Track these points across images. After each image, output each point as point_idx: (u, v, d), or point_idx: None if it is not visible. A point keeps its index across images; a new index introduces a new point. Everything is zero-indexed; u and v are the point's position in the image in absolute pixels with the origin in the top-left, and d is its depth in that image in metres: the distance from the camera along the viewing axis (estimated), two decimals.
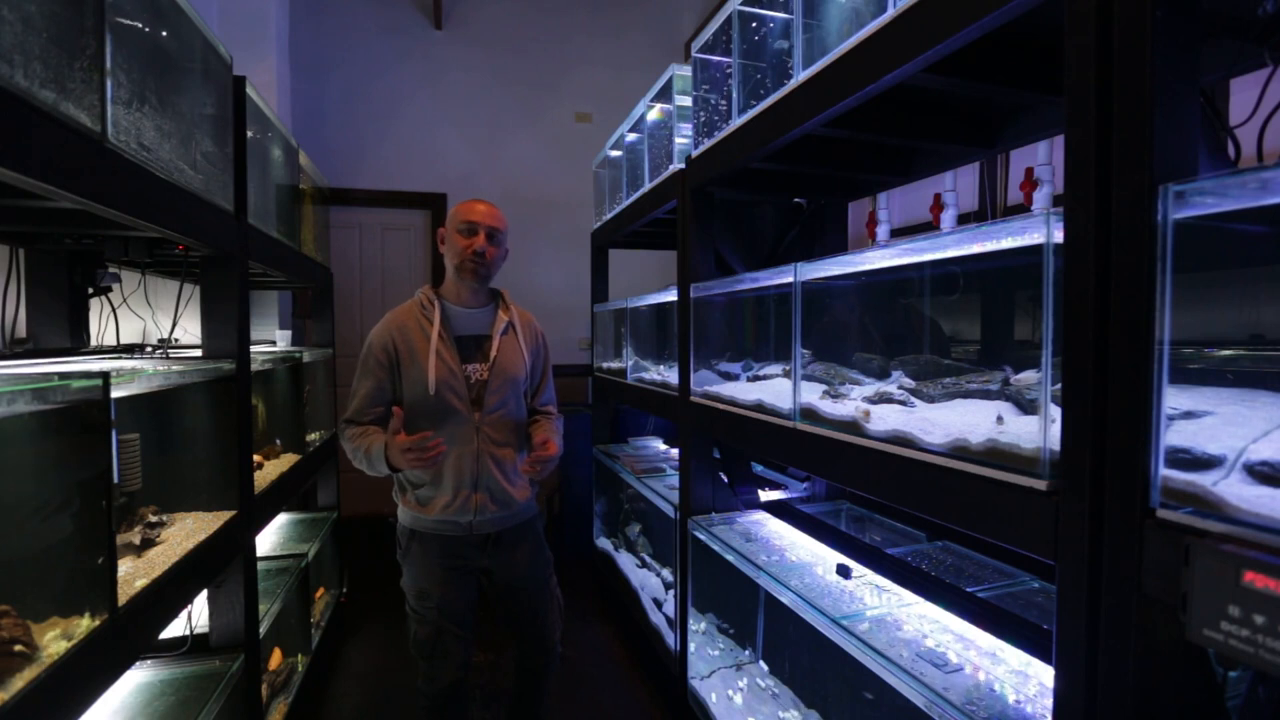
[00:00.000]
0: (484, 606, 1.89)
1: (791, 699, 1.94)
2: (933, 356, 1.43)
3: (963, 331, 1.86)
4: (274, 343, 3.08)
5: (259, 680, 1.79)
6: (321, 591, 2.89)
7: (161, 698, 1.49)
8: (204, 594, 1.65)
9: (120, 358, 1.66)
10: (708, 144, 1.95)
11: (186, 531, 1.47)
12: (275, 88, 3.44)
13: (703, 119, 2.05)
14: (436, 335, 1.71)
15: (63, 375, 0.95)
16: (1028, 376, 1.11)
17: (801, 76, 1.43)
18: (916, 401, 1.27)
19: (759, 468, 2.75)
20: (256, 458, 2.07)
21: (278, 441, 2.42)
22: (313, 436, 2.74)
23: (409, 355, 1.71)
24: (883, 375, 1.49)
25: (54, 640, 0.94)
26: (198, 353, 1.77)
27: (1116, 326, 0.76)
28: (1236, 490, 0.68)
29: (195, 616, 1.72)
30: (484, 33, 4.66)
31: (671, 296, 2.35)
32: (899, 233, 2.76)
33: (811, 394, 1.50)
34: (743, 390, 1.83)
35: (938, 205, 2.28)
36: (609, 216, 3.29)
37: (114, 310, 2.08)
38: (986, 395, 1.16)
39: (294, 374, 2.55)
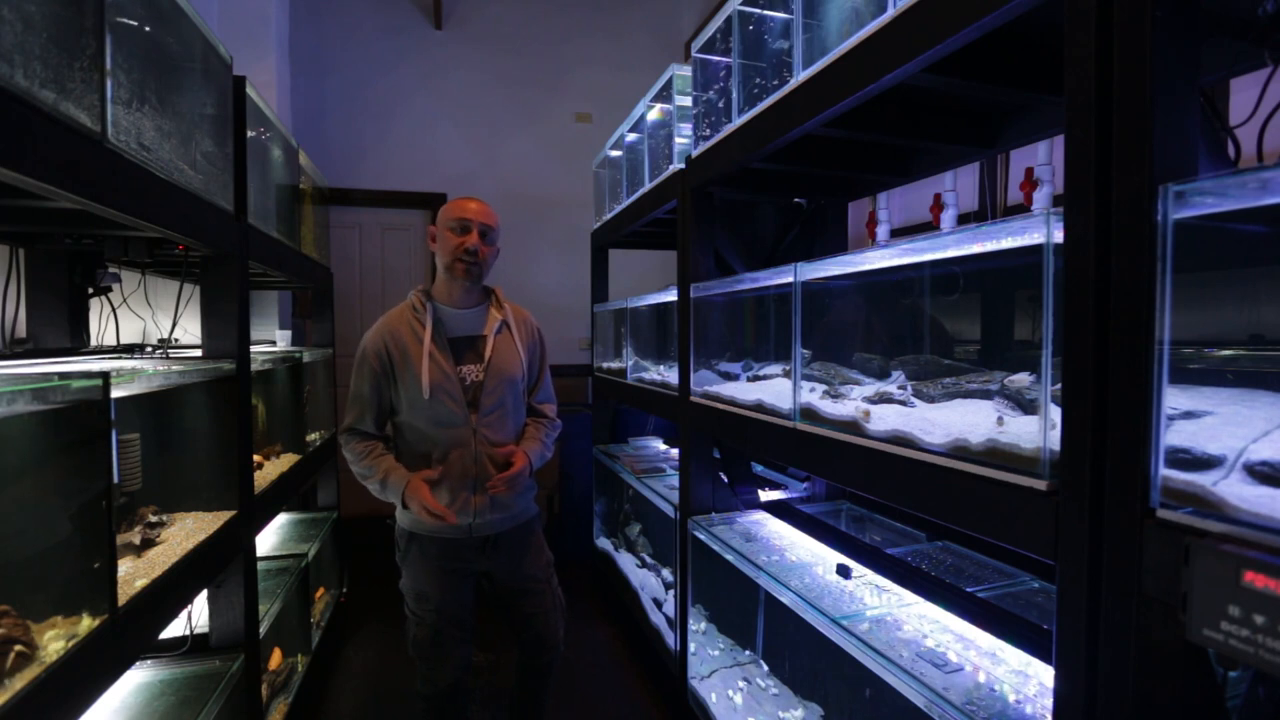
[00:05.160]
0: (483, 607, 1.88)
1: (791, 699, 1.94)
2: (933, 356, 1.43)
3: (963, 332, 1.86)
4: (274, 343, 3.08)
5: (259, 680, 1.79)
6: (321, 591, 2.89)
7: (161, 698, 1.49)
8: (204, 594, 1.65)
9: (120, 358, 1.66)
10: (708, 144, 1.95)
11: (186, 531, 1.47)
12: (275, 88, 3.43)
13: (703, 119, 2.05)
14: (429, 338, 1.69)
15: (63, 375, 0.95)
16: (1020, 379, 1.11)
17: (801, 76, 1.43)
18: (916, 401, 1.27)
19: (759, 468, 2.75)
20: (256, 458, 2.07)
21: (279, 448, 2.42)
22: (313, 436, 2.74)
23: (403, 359, 1.68)
24: (882, 375, 1.49)
25: (54, 640, 0.94)
26: (198, 353, 1.77)
27: (1116, 326, 0.76)
28: (1236, 490, 0.68)
29: (195, 616, 1.72)
30: (484, 33, 4.66)
31: (671, 296, 2.35)
32: (899, 233, 2.76)
33: (811, 394, 1.50)
34: (743, 390, 1.83)
35: (938, 205, 2.28)
36: (609, 216, 3.29)
37: (114, 310, 2.08)
38: (986, 395, 1.16)
39: (294, 374, 2.54)
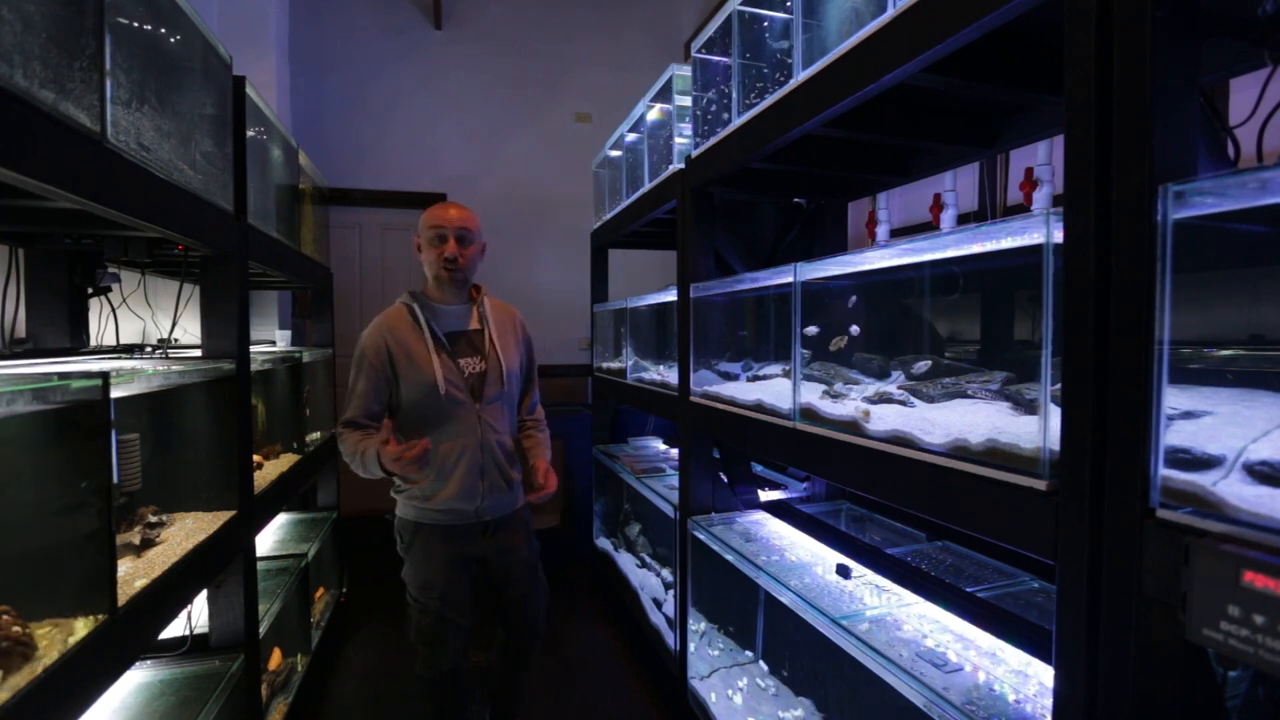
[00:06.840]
0: (481, 609, 1.91)
1: (791, 699, 1.94)
2: (933, 356, 1.43)
3: (963, 331, 1.86)
4: (274, 343, 3.08)
5: (259, 680, 1.79)
6: (321, 591, 2.88)
7: (161, 698, 1.49)
8: (204, 594, 1.65)
9: (120, 358, 1.66)
10: (708, 144, 1.95)
11: (186, 531, 1.47)
12: (275, 87, 3.43)
13: (703, 119, 2.05)
14: (432, 336, 1.77)
15: (62, 375, 0.95)
16: (1020, 387, 1.12)
17: (801, 76, 1.43)
18: (916, 401, 1.27)
19: (759, 468, 2.75)
20: (256, 458, 2.07)
21: (278, 448, 2.42)
22: (312, 436, 2.74)
23: (406, 357, 1.74)
24: (882, 375, 1.49)
25: (54, 640, 0.94)
26: (198, 353, 1.77)
27: (1116, 326, 0.76)
28: (1236, 490, 0.68)
29: (195, 616, 1.72)
30: (484, 33, 4.66)
31: (671, 296, 2.35)
32: (899, 233, 2.76)
33: (811, 394, 1.50)
34: (742, 390, 1.83)
35: (938, 205, 2.28)
36: (609, 216, 3.29)
37: (114, 310, 2.08)
38: (986, 395, 1.16)
39: (294, 374, 2.54)
